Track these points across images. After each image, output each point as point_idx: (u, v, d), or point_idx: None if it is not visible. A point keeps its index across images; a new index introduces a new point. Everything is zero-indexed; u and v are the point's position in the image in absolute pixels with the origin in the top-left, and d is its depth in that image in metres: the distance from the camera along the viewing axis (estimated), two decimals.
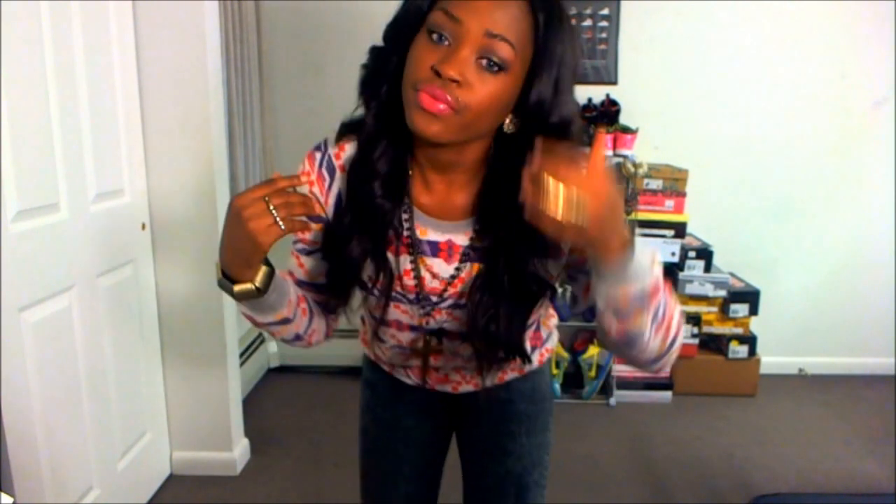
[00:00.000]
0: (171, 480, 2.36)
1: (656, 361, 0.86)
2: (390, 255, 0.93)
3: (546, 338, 1.17)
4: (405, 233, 0.92)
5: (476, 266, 0.92)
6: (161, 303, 2.26)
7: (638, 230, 2.97)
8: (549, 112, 0.80)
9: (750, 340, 3.11)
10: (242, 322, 3.02)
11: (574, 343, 3.22)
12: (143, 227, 2.16)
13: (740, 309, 3.08)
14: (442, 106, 0.75)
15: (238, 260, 0.81)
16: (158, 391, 2.29)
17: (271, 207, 0.75)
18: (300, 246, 0.99)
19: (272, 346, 3.33)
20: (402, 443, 1.20)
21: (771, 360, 3.24)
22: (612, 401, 3.04)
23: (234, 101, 2.64)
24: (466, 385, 1.12)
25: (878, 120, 3.17)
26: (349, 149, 0.92)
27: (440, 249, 0.92)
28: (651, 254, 0.79)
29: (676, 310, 0.83)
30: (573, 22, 0.83)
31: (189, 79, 2.12)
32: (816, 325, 3.36)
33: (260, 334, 3.23)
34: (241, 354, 2.81)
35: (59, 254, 1.74)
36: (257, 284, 0.82)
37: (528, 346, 1.05)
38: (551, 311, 1.17)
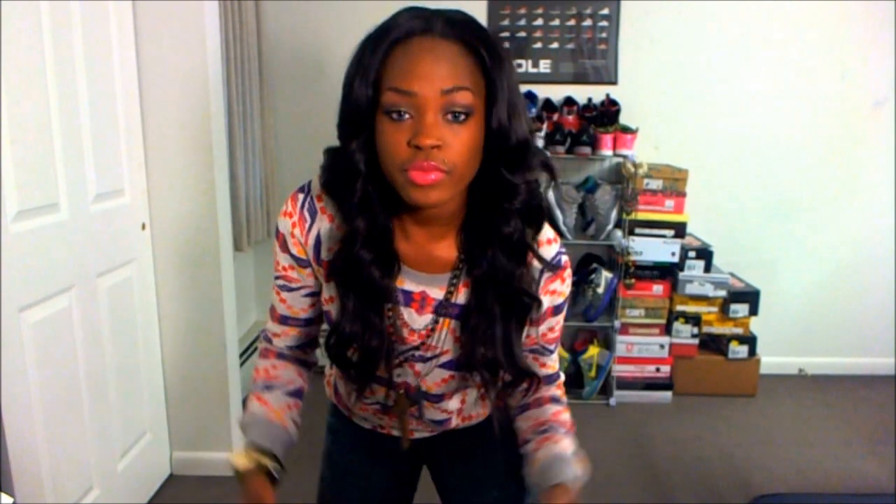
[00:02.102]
0: (172, 480, 2.36)
1: None
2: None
3: None
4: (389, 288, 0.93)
5: (448, 322, 0.93)
6: (161, 303, 2.26)
7: (638, 230, 2.97)
8: (509, 136, 0.81)
9: (750, 340, 3.11)
10: (242, 322, 3.03)
11: (574, 343, 3.22)
12: (143, 227, 2.16)
13: (740, 309, 3.08)
14: (433, 175, 0.77)
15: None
16: (158, 391, 2.29)
17: None
18: (280, 283, 0.99)
19: None
20: (358, 490, 1.18)
21: (771, 360, 3.24)
22: (613, 401, 3.04)
23: (234, 101, 2.64)
24: (421, 433, 1.11)
25: (878, 120, 3.17)
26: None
27: (413, 300, 0.92)
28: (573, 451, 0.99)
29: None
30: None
31: (189, 79, 2.12)
32: (816, 325, 3.36)
33: (256, 339, 3.23)
34: (241, 354, 2.81)
35: (59, 254, 1.74)
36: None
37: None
38: None
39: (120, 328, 2.03)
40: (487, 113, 0.81)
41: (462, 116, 0.78)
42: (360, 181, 0.84)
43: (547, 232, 0.93)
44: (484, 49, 0.79)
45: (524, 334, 0.94)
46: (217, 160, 2.21)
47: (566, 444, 1.00)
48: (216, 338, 2.30)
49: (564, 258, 0.95)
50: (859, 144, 3.20)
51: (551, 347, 1.04)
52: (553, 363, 1.06)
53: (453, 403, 1.04)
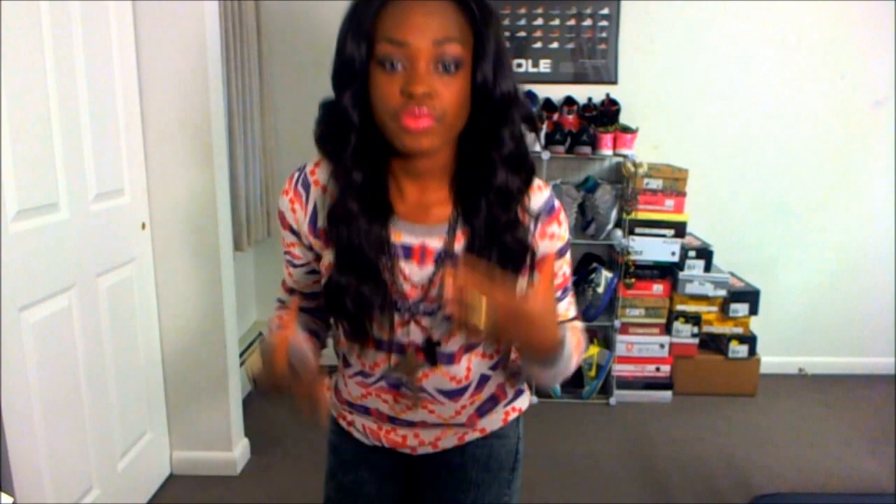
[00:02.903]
0: (171, 480, 2.36)
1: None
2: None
3: (512, 395, 1.11)
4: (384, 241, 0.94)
5: (449, 271, 0.93)
6: (161, 302, 2.26)
7: (638, 230, 2.97)
8: (493, 89, 0.86)
9: (750, 340, 3.11)
10: (242, 322, 3.03)
11: None
12: (143, 227, 2.16)
13: (740, 308, 3.08)
14: (425, 121, 0.82)
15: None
16: (159, 391, 2.30)
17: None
18: (288, 258, 1.04)
19: None
20: None
21: (771, 360, 3.24)
22: (612, 400, 3.04)
23: (234, 100, 2.63)
24: (425, 447, 1.07)
25: (878, 120, 3.17)
26: (323, 165, 0.96)
27: (413, 253, 0.94)
28: (571, 345, 0.92)
29: (578, 359, 0.97)
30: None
31: (189, 78, 2.12)
32: (816, 325, 3.36)
33: (260, 334, 3.23)
34: (241, 354, 2.81)
35: (59, 253, 1.74)
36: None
37: (488, 392, 1.05)
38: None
39: (120, 328, 2.03)
40: (474, 66, 0.85)
41: (452, 67, 0.82)
42: (353, 133, 0.88)
43: (536, 180, 0.96)
44: (474, 4, 0.84)
45: (536, 282, 0.94)
46: (217, 160, 2.21)
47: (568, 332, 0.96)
48: (216, 338, 2.30)
49: (556, 202, 0.98)
50: (859, 144, 3.20)
51: (557, 294, 1.01)
52: (562, 310, 1.03)
53: (462, 369, 1.00)
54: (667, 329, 3.10)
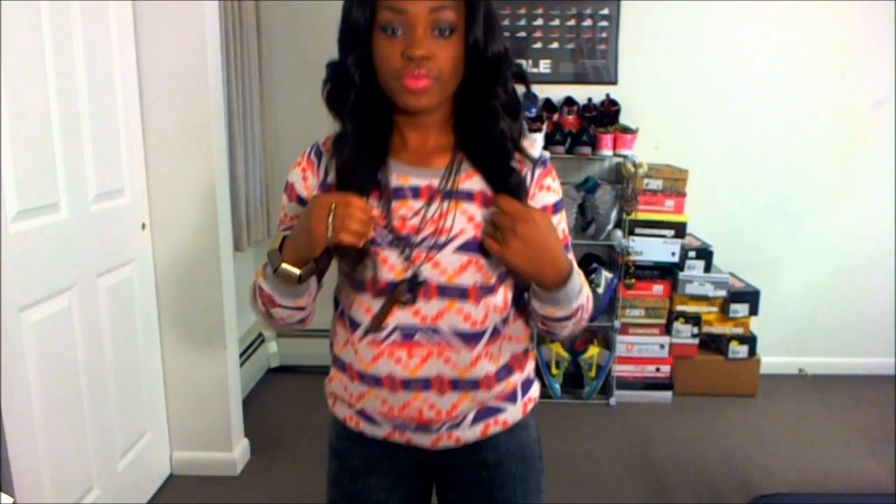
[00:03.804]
0: (171, 481, 2.36)
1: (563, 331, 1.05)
2: (371, 200, 0.99)
3: (524, 383, 1.11)
4: (380, 181, 1.01)
5: (457, 203, 0.99)
6: (161, 302, 2.26)
7: (638, 230, 2.97)
8: (485, 50, 0.95)
9: (750, 340, 3.11)
10: (242, 322, 3.03)
11: (574, 343, 3.22)
12: (143, 227, 2.16)
13: (740, 309, 3.08)
14: (423, 82, 0.91)
15: (296, 247, 0.95)
16: (158, 391, 2.30)
17: (331, 217, 0.89)
18: (284, 226, 1.07)
19: (272, 347, 3.33)
20: None
21: (771, 361, 3.24)
22: (612, 401, 3.04)
23: (234, 101, 2.63)
24: (447, 441, 1.05)
25: (878, 120, 3.17)
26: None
27: (421, 193, 1.00)
28: (580, 283, 0.97)
29: (588, 304, 1.02)
30: None
31: (189, 79, 2.12)
32: (816, 325, 3.36)
33: (260, 334, 3.23)
34: (241, 354, 2.81)
35: (59, 254, 1.74)
36: (301, 273, 0.96)
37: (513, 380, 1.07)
38: (529, 353, 1.13)
39: (120, 328, 2.03)
40: (467, 30, 0.94)
41: (447, 32, 0.92)
42: (353, 91, 0.97)
43: (528, 136, 1.05)
44: None
45: None
46: (217, 160, 2.21)
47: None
48: (216, 338, 2.31)
49: (547, 154, 1.09)
50: (859, 144, 3.20)
51: None
52: None
53: (477, 310, 1.00)
54: (667, 329, 3.10)
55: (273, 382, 3.21)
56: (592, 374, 3.03)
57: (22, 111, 1.57)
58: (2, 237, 1.51)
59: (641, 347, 3.08)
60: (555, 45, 3.14)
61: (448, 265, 0.98)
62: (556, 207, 1.05)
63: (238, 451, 2.42)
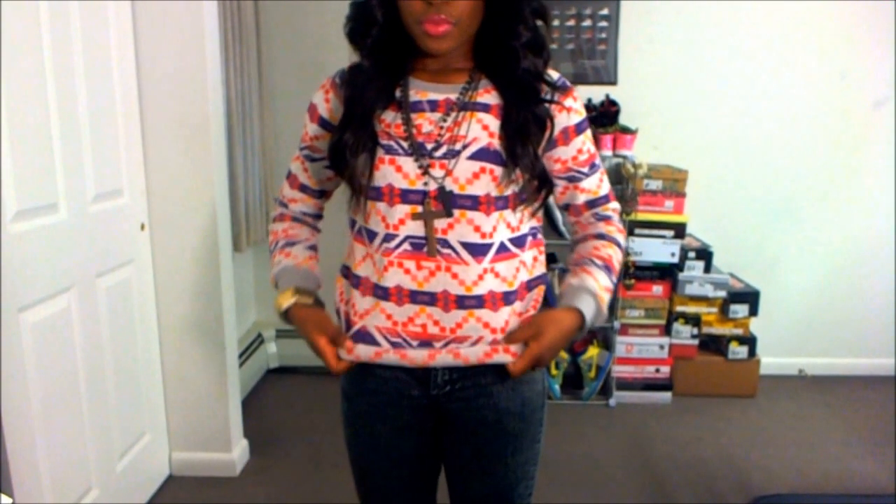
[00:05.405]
0: (171, 481, 2.36)
1: None
2: (389, 113, 1.05)
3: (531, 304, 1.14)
4: (398, 95, 1.06)
5: (473, 114, 1.04)
6: (160, 303, 2.26)
7: (637, 231, 2.97)
8: None
9: (750, 341, 3.11)
10: (242, 322, 3.03)
11: (573, 344, 3.22)
12: (143, 227, 2.16)
13: (740, 309, 3.08)
14: (444, 27, 0.97)
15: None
16: (158, 392, 2.29)
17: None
18: (306, 153, 1.17)
19: (271, 347, 3.33)
20: (390, 462, 1.18)
21: (771, 361, 3.24)
22: (612, 402, 3.03)
23: (233, 101, 2.63)
24: (445, 354, 1.05)
25: (878, 120, 3.17)
26: None
27: (438, 106, 1.05)
28: (596, 287, 1.09)
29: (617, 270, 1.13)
30: None
31: (189, 79, 2.11)
32: (816, 326, 3.36)
33: (259, 335, 3.23)
34: (241, 355, 2.81)
35: (59, 254, 1.74)
36: (295, 301, 1.12)
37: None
38: (541, 291, 1.14)
39: (119, 328, 2.03)
40: None
41: None
42: (375, 28, 1.03)
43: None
44: None
45: (556, 158, 1.10)
46: (216, 160, 2.21)
47: (593, 278, 1.10)
48: (216, 338, 2.30)
49: (569, 83, 1.11)
50: (859, 144, 3.20)
51: (585, 170, 1.12)
52: (592, 186, 1.14)
53: (487, 222, 1.03)
54: (666, 330, 3.10)
55: (272, 383, 3.20)
56: (592, 374, 3.03)
57: (21, 111, 1.57)
58: (1, 238, 1.51)
59: (641, 348, 3.08)
60: (554, 45, 3.14)
61: (461, 174, 1.02)
62: (579, 128, 1.10)
63: (237, 452, 2.42)
